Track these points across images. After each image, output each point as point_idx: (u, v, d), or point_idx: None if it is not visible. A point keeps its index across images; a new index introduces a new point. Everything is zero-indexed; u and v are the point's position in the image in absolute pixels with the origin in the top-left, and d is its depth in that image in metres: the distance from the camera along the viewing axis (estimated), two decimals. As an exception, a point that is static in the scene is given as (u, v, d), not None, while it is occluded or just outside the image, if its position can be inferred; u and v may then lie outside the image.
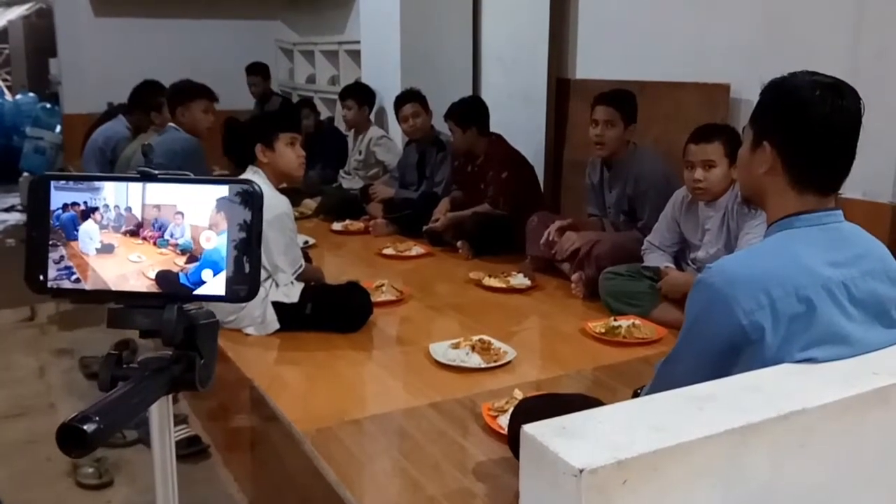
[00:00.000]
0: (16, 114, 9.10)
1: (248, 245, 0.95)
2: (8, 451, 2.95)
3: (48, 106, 8.56)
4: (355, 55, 6.48)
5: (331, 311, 3.12)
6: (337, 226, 5.08)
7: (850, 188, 2.93)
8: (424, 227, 4.61)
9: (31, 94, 9.65)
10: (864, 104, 1.46)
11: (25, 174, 7.91)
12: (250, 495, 2.65)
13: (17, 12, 10.85)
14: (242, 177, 3.15)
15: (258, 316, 3.05)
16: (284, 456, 2.41)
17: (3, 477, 2.77)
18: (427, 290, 3.77)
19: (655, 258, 3.34)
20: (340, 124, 6.34)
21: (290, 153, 3.15)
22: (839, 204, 1.53)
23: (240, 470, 2.77)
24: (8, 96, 10.28)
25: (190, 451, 2.82)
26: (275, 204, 3.05)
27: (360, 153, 5.77)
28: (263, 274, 3.04)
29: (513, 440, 2.00)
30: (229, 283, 0.96)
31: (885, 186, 2.99)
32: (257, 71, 7.10)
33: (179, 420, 2.97)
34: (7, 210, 7.69)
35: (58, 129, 8.01)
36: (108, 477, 2.71)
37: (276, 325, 3.07)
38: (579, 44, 4.58)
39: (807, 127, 1.45)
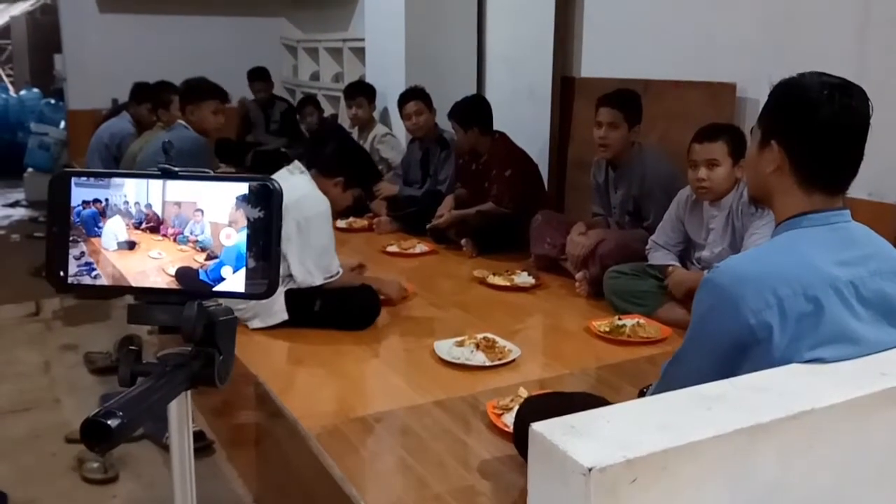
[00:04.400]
0: (20, 110, 9.12)
1: (268, 242, 0.96)
2: (13, 447, 2.96)
3: (52, 102, 8.58)
4: (359, 52, 6.49)
5: (340, 310, 3.12)
6: (341, 223, 5.06)
7: (856, 188, 2.92)
8: (428, 225, 4.61)
9: (36, 90, 9.66)
10: (872, 104, 1.46)
11: (30, 170, 7.93)
12: (255, 491, 2.66)
13: (20, 8, 10.86)
14: (277, 175, 3.14)
15: (267, 303, 3.02)
16: (289, 452, 2.42)
17: (7, 472, 2.78)
18: (431, 288, 3.77)
19: (660, 257, 3.34)
20: (344, 121, 6.34)
21: (336, 192, 3.23)
22: (846, 204, 1.54)
23: (244, 466, 2.78)
24: (12, 92, 10.29)
25: (194, 446, 2.83)
26: (315, 202, 3.10)
27: (363, 151, 5.78)
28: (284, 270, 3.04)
29: (518, 438, 2.00)
30: (248, 279, 0.96)
31: (891, 187, 2.98)
32: (259, 76, 6.99)
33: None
34: (12, 205, 7.71)
35: (62, 125, 8.02)
36: (114, 472, 2.73)
37: (285, 316, 3.06)
38: (584, 42, 4.58)
39: (815, 126, 1.45)
